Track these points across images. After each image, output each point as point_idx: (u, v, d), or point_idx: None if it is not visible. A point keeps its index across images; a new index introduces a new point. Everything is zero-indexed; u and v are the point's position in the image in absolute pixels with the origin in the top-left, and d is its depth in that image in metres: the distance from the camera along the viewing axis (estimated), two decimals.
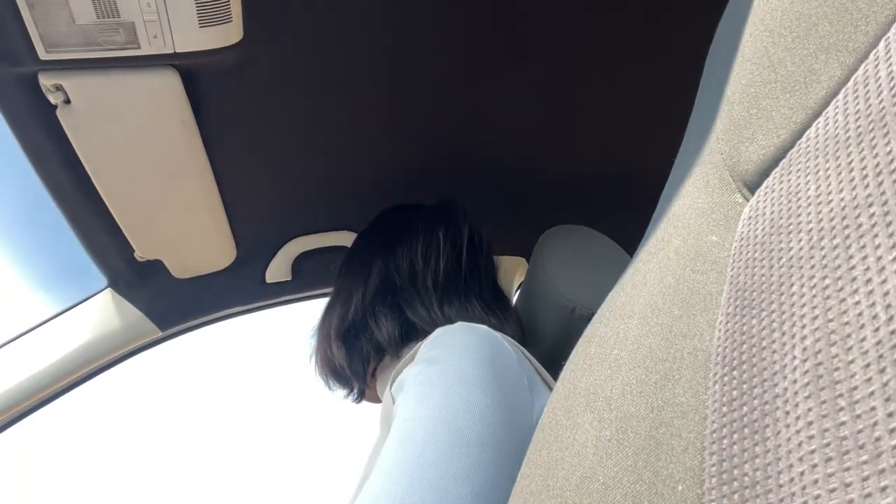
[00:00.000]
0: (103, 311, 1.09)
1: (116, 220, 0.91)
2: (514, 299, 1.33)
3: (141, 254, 1.01)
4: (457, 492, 0.53)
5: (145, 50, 0.68)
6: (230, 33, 0.71)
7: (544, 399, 0.65)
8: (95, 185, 0.84)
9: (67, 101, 0.72)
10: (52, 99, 0.71)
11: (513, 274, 1.33)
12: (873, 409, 0.17)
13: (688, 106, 0.36)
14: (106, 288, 1.09)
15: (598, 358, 0.33)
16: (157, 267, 1.06)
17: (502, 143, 1.04)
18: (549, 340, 0.89)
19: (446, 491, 0.53)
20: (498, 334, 0.70)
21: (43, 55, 0.66)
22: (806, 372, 0.20)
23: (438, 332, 0.69)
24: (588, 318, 0.37)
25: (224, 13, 0.67)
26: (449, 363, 0.63)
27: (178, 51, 0.69)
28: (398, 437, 0.58)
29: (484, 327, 0.70)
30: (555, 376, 0.54)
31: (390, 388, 0.69)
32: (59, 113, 0.73)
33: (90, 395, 1.11)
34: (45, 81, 0.69)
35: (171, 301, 1.13)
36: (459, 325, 0.69)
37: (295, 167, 1.00)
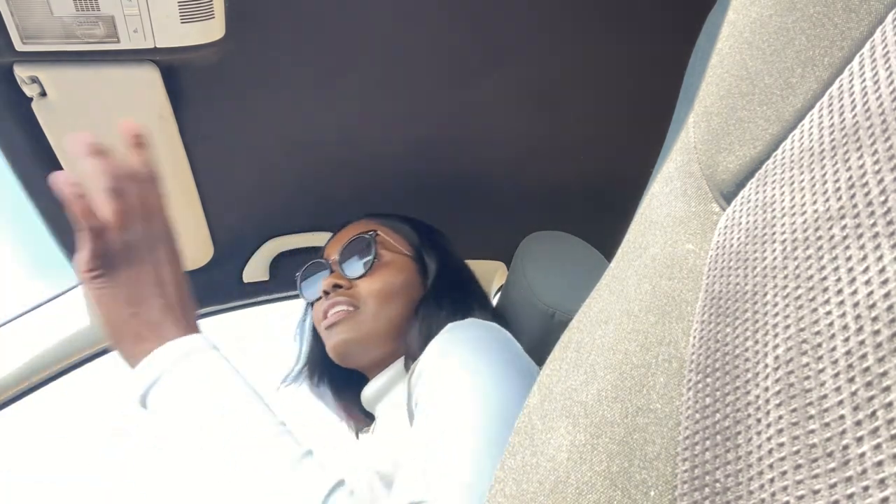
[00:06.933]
0: (75, 309, 1.07)
1: None
2: (494, 304, 1.33)
3: None
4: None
5: (125, 44, 0.67)
6: (212, 30, 0.70)
7: None
8: None
9: (43, 94, 0.70)
10: (28, 91, 0.70)
11: (492, 278, 1.33)
12: (842, 417, 0.17)
13: (667, 115, 0.36)
14: (78, 284, 1.07)
15: (574, 363, 0.33)
16: None
17: (484, 148, 1.05)
18: (528, 345, 0.89)
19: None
20: (505, 331, 0.75)
21: (19, 46, 0.64)
22: (778, 380, 0.20)
23: (450, 326, 0.73)
24: (567, 324, 0.37)
25: (206, 9, 0.67)
26: (468, 353, 0.67)
27: (158, 46, 0.68)
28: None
29: (492, 323, 0.75)
30: None
31: (410, 377, 0.73)
32: (34, 105, 0.72)
33: (61, 393, 1.09)
34: (21, 73, 0.68)
35: None
36: (470, 321, 0.74)
37: (275, 166, 0.99)
